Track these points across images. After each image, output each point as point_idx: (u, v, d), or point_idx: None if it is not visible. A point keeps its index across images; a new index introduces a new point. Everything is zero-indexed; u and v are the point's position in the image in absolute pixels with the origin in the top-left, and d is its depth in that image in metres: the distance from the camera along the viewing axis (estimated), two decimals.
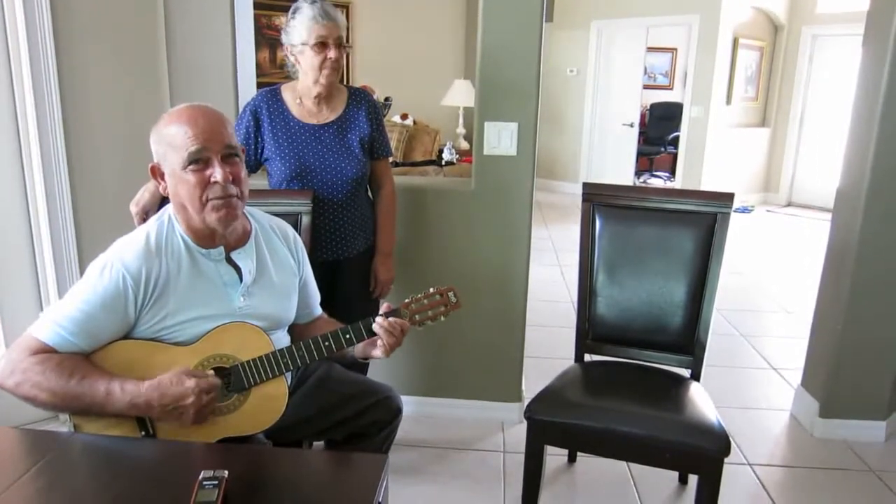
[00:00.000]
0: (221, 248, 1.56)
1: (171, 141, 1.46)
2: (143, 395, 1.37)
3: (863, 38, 2.64)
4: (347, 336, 1.54)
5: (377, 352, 1.57)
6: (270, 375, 1.49)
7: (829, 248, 2.82)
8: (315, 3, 2.08)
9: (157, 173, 1.53)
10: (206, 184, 1.46)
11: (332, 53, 2.09)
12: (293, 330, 1.76)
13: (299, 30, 2.09)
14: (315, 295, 1.84)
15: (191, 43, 2.71)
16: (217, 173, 1.46)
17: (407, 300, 1.60)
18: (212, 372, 1.45)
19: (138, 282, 1.44)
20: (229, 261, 1.57)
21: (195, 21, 2.71)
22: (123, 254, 1.46)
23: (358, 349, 1.62)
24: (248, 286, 1.57)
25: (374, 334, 1.55)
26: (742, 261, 5.68)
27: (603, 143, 8.52)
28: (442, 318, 1.61)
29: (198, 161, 1.45)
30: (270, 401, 1.49)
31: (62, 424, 2.56)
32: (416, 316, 1.59)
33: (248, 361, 1.48)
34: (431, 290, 1.61)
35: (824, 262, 2.85)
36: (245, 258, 1.59)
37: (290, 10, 2.12)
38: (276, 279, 1.65)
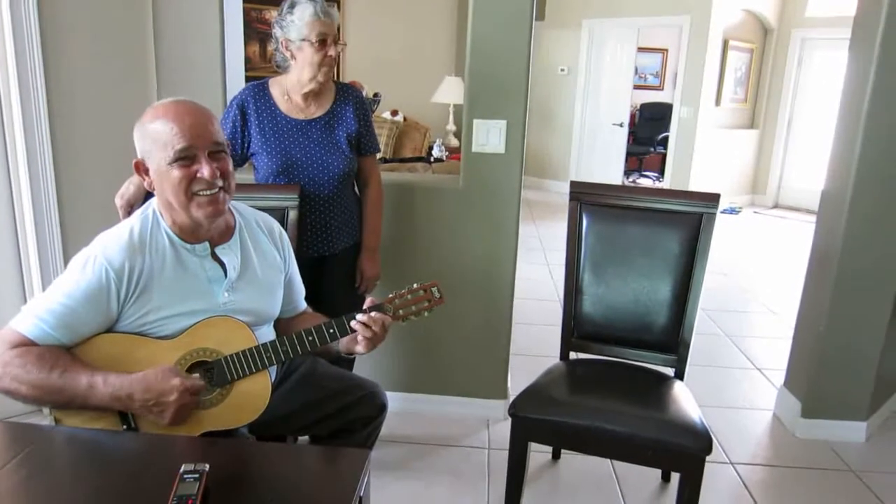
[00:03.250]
0: (206, 244, 1.55)
1: (156, 137, 1.45)
2: (126, 388, 1.37)
3: (849, 42, 2.66)
4: (331, 330, 1.54)
5: (359, 347, 1.56)
6: (254, 370, 1.48)
7: (814, 250, 2.85)
8: (315, 0, 2.08)
9: (141, 169, 1.51)
10: (191, 178, 1.46)
11: (332, 51, 2.11)
12: (277, 324, 1.76)
13: (298, 25, 2.07)
14: (300, 290, 1.84)
15: (179, 36, 2.69)
16: (204, 170, 1.45)
17: (391, 295, 1.59)
18: (198, 375, 1.45)
19: (121, 276, 1.43)
20: (214, 256, 1.56)
21: (184, 14, 2.69)
22: (107, 248, 1.45)
23: (342, 344, 1.61)
24: (233, 282, 1.57)
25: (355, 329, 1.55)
26: (728, 261, 5.72)
27: (592, 142, 8.53)
28: (426, 314, 1.61)
29: (184, 158, 1.44)
30: (253, 395, 1.49)
31: (44, 417, 2.54)
32: (400, 311, 1.58)
33: (231, 355, 1.48)
34: (415, 285, 1.61)
35: (808, 264, 2.88)
36: (229, 253, 1.58)
37: (287, 4, 2.10)
38: (261, 274, 1.64)
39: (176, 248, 1.52)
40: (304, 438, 1.92)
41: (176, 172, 1.44)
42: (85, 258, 1.44)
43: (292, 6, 2.09)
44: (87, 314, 1.41)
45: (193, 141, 1.44)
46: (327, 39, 2.09)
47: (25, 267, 2.53)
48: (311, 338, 1.53)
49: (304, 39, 2.08)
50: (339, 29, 2.19)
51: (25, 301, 2.53)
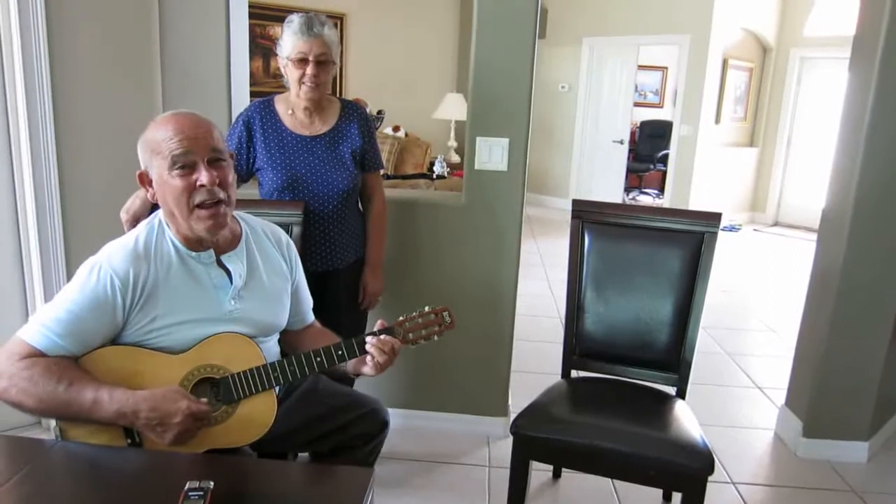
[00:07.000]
0: (212, 252, 1.55)
1: (155, 146, 1.47)
2: (132, 405, 1.36)
3: (849, 61, 2.69)
4: (339, 352, 1.53)
5: (367, 369, 1.56)
6: (260, 389, 1.48)
7: (814, 268, 2.85)
8: (303, 17, 2.09)
9: (144, 180, 1.53)
10: (192, 188, 1.46)
11: (309, 70, 2.09)
12: (285, 336, 1.76)
13: (286, 43, 2.11)
14: (307, 301, 1.84)
15: (185, 51, 2.71)
16: (203, 176, 1.46)
17: (401, 318, 1.58)
18: (205, 400, 1.45)
19: (126, 284, 1.44)
20: (220, 264, 1.57)
21: (190, 29, 2.71)
22: (112, 256, 1.46)
23: (350, 365, 1.60)
24: (239, 290, 1.57)
25: (366, 352, 1.54)
26: (728, 279, 5.72)
27: (593, 159, 8.57)
28: (435, 338, 1.59)
29: (183, 165, 1.45)
30: (259, 414, 1.49)
31: (45, 430, 2.54)
32: (410, 335, 1.57)
33: (238, 373, 1.48)
34: (426, 308, 1.59)
35: (809, 283, 2.88)
36: (235, 261, 1.59)
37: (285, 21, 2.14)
38: (268, 283, 1.65)
39: (181, 255, 1.53)
40: (304, 454, 1.92)
41: (176, 182, 1.46)
42: (90, 267, 1.45)
43: (287, 23, 2.12)
44: (93, 322, 1.42)
45: (191, 146, 1.45)
46: (307, 58, 2.08)
47: (28, 280, 2.53)
48: (318, 359, 1.52)
49: (287, 57, 2.11)
50: (341, 45, 2.19)
51: (27, 311, 2.54)
